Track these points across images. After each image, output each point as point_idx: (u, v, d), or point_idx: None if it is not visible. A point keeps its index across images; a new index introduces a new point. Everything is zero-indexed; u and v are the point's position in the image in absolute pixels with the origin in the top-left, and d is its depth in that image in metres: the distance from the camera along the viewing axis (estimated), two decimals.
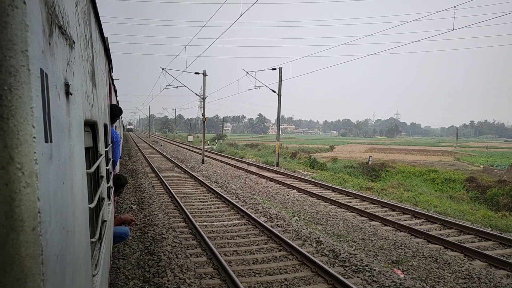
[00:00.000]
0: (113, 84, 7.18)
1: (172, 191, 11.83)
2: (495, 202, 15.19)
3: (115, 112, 4.93)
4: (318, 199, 12.00)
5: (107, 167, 3.11)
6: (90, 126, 2.13)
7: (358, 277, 5.65)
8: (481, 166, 32.67)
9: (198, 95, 25.26)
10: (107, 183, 3.03)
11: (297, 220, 9.10)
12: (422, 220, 9.50)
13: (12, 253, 0.69)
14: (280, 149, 24.61)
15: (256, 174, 18.01)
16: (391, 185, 16.38)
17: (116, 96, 9.64)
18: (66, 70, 1.15)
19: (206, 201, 11.10)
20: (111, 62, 5.07)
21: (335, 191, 13.59)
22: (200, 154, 25.20)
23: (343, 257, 6.35)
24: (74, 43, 1.31)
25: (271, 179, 16.17)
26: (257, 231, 8.00)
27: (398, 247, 7.22)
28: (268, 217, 9.25)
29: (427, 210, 11.07)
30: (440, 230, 8.71)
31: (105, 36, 3.22)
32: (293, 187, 14.06)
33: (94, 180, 2.29)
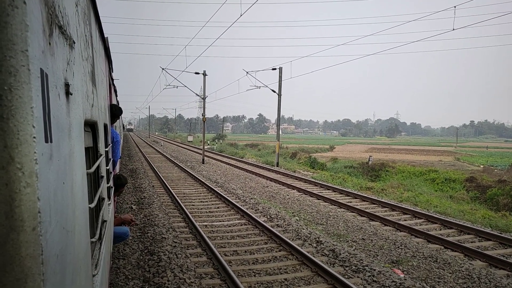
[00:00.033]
0: (113, 84, 7.18)
1: (172, 191, 11.83)
2: (495, 202, 15.19)
3: (115, 112, 4.92)
4: (318, 199, 12.00)
5: (107, 167, 3.11)
6: (90, 126, 2.13)
7: (358, 277, 5.65)
8: (481, 166, 32.66)
9: (198, 95, 25.27)
10: (107, 183, 3.04)
11: (297, 220, 9.10)
12: (422, 220, 9.50)
13: (12, 253, 0.69)
14: (280, 149, 24.61)
15: (256, 174, 18.01)
16: (391, 185, 16.38)
17: (116, 96, 9.65)
18: (66, 70, 1.15)
19: (206, 201, 11.10)
20: (111, 62, 5.07)
21: (335, 191, 13.59)
22: (200, 154, 25.20)
23: (343, 257, 6.35)
24: (74, 43, 1.31)
25: (271, 179, 16.17)
26: (257, 231, 8.00)
27: (398, 247, 7.22)
28: (268, 217, 9.25)
29: (427, 210, 11.07)
30: (440, 230, 8.71)
31: (105, 36, 3.22)
32: (293, 187, 14.06)
33: (94, 180, 2.29)
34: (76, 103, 1.32)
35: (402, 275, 5.76)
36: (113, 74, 6.52)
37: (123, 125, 60.29)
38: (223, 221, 8.84)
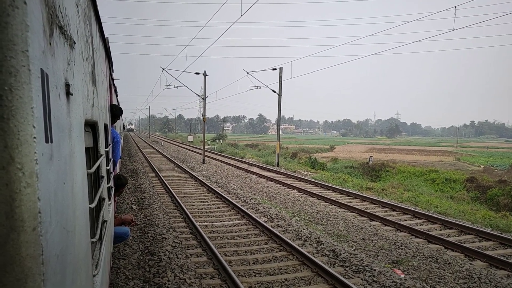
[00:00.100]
0: (114, 84, 7.18)
1: (172, 191, 11.83)
2: (495, 202, 15.18)
3: (116, 112, 4.93)
4: (319, 199, 11.99)
5: (108, 167, 3.11)
6: (91, 126, 2.13)
7: (358, 277, 5.65)
8: (482, 166, 32.64)
9: (198, 95, 25.28)
10: (108, 183, 3.04)
11: (297, 220, 9.10)
12: (422, 220, 9.49)
13: (13, 253, 0.69)
14: (280, 149, 24.61)
15: (256, 174, 18.01)
16: (392, 185, 16.38)
17: (116, 96, 9.65)
18: (67, 70, 1.15)
19: (207, 201, 11.10)
20: (112, 62, 5.07)
21: (335, 191, 13.59)
22: (201, 154, 25.21)
23: (344, 257, 6.35)
24: (75, 43, 1.31)
25: (271, 179, 16.17)
26: (257, 231, 8.00)
27: (399, 247, 7.22)
28: (269, 217, 9.25)
29: (428, 210, 11.07)
30: (441, 230, 8.71)
31: (106, 36, 3.23)
32: (294, 187, 14.06)
33: (94, 180, 2.29)
34: (76, 103, 1.32)
35: (402, 275, 5.76)
36: (114, 74, 6.52)
37: (124, 125, 60.38)
38: (224, 221, 8.84)
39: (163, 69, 22.57)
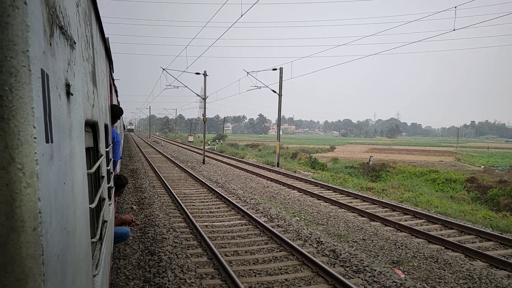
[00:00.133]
0: (114, 85, 7.18)
1: (172, 191, 11.83)
2: (496, 202, 15.17)
3: (116, 112, 4.93)
4: (319, 200, 11.99)
5: (108, 167, 3.11)
6: (91, 126, 2.13)
7: (358, 277, 5.65)
8: (482, 167, 32.63)
9: (198, 95, 25.28)
10: (108, 183, 3.04)
11: (297, 220, 9.10)
12: (422, 221, 9.49)
13: (13, 254, 0.69)
14: (280, 149, 24.61)
15: (256, 174, 18.01)
16: (392, 186, 16.37)
17: (117, 96, 9.66)
18: (67, 71, 1.15)
19: (207, 201, 11.10)
20: (112, 62, 5.07)
21: (335, 192, 13.58)
22: (201, 154, 25.21)
23: (344, 258, 6.35)
24: (75, 43, 1.31)
25: (271, 179, 16.17)
26: (257, 231, 8.00)
27: (399, 247, 7.21)
28: (269, 217, 9.25)
29: (428, 210, 11.06)
30: (441, 230, 8.70)
31: (106, 36, 3.23)
32: (294, 187, 14.06)
33: (94, 180, 2.30)
34: (76, 104, 1.32)
35: (402, 276, 5.75)
36: (114, 74, 6.52)
37: (124, 125, 60.37)
38: (224, 221, 8.84)
39: (163, 69, 22.58)
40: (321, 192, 13.15)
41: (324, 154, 43.05)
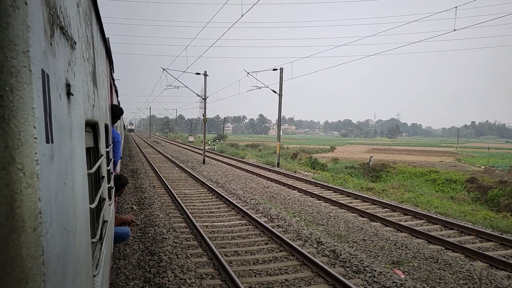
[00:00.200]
0: (114, 85, 7.19)
1: (173, 191, 11.84)
2: (496, 203, 15.16)
3: (116, 112, 4.93)
4: (319, 200, 11.99)
5: (108, 168, 3.11)
6: (91, 126, 2.13)
7: (358, 277, 5.65)
8: (482, 167, 32.60)
9: (199, 96, 25.29)
10: (108, 184, 3.04)
11: (297, 220, 9.10)
12: (423, 221, 9.48)
13: (13, 254, 0.69)
14: (281, 149, 24.61)
15: (257, 174, 18.01)
16: (392, 186, 16.37)
17: (117, 96, 9.66)
18: (68, 71, 1.15)
19: (207, 202, 11.10)
20: (112, 62, 5.07)
21: (336, 192, 13.58)
22: (201, 154, 25.21)
23: (344, 258, 6.35)
24: (76, 43, 1.31)
25: (271, 180, 16.17)
26: (257, 231, 7.99)
27: (399, 247, 7.21)
28: (269, 217, 9.25)
29: (428, 210, 11.06)
30: (441, 230, 8.70)
31: (106, 36, 3.23)
32: (294, 188, 14.06)
33: (95, 181, 2.30)
34: (77, 104, 1.32)
35: (402, 276, 5.75)
36: (114, 75, 6.53)
37: (124, 125, 60.28)
38: (224, 221, 8.84)
39: (163, 69, 22.59)
40: (321, 193, 13.14)
41: (324, 154, 43.04)
